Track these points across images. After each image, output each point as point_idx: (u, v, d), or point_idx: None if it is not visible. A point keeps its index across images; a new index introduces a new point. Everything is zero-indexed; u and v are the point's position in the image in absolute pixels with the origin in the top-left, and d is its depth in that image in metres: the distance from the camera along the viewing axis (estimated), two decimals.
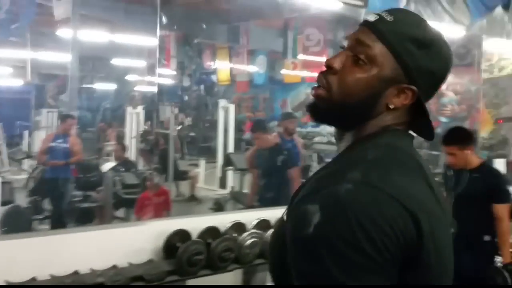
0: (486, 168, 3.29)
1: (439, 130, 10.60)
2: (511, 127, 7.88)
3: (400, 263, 0.75)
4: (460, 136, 3.23)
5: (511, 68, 7.39)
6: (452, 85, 10.79)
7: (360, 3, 4.06)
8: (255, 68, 11.50)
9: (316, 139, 10.21)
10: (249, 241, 3.11)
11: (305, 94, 13.26)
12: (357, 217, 0.73)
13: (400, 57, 0.87)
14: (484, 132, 7.91)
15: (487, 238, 3.16)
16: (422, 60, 0.88)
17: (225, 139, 8.25)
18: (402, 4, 4.47)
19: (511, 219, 3.23)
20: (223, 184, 7.75)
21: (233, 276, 3.19)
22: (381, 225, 0.73)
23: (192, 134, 12.60)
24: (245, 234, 3.16)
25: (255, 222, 3.32)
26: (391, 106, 0.89)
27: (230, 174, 7.58)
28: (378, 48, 0.87)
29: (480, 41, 7.27)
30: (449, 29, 6.88)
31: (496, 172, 3.38)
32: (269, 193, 4.86)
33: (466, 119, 10.26)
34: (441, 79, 0.93)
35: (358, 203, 0.75)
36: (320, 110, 0.91)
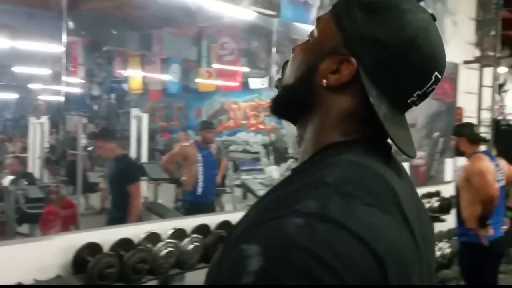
0: None
1: None
2: (416, 133, 8.34)
3: None
4: None
5: None
6: None
7: (272, 13, 4.11)
8: (168, 77, 11.35)
9: (232, 147, 10.24)
10: (164, 252, 3.01)
11: (220, 103, 13.27)
12: (308, 264, 0.54)
13: (339, 21, 0.72)
14: None
15: None
16: (367, 26, 0.70)
17: (138, 149, 8.04)
18: (312, 15, 4.59)
19: None
20: None
21: None
22: (339, 273, 0.54)
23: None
24: (160, 244, 3.05)
25: (170, 232, 3.23)
26: (324, 83, 0.72)
27: (144, 184, 7.38)
28: (325, 20, 0.76)
29: None
30: None
31: None
32: (117, 211, 4.20)
33: None
34: (405, 57, 0.71)
35: (310, 244, 0.55)
36: (272, 102, 0.81)
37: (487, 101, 6.62)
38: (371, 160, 0.71)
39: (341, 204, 0.61)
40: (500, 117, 16.02)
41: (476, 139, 4.12)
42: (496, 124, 7.26)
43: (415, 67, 0.72)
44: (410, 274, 0.63)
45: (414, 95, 0.74)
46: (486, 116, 6.70)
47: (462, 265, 4.31)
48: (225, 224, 3.47)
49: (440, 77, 0.74)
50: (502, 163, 4.26)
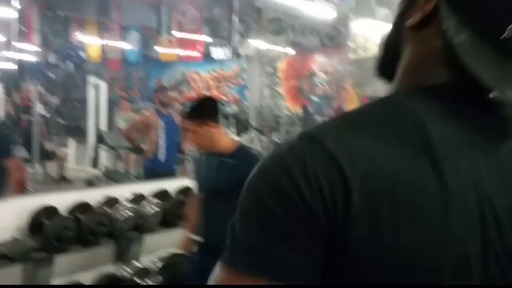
0: (243, 152, 2.46)
1: (311, 109, 11.14)
2: None
3: (322, 239, 0.54)
4: (198, 108, 2.44)
5: (375, 49, 7.90)
6: (323, 66, 11.33)
7: None
8: (128, 45, 11.09)
9: None
10: (122, 215, 2.98)
11: (181, 73, 13.10)
12: (273, 169, 0.56)
13: None
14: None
15: None
16: None
17: (96, 117, 7.89)
18: None
19: None
20: (95, 164, 7.41)
21: (106, 251, 3.05)
22: (300, 185, 0.54)
23: (59, 113, 11.89)
24: (118, 207, 3.02)
25: (128, 196, 3.20)
26: (409, 22, 0.63)
27: (103, 153, 7.27)
28: None
29: (348, 21, 7.66)
30: (320, 8, 7.16)
31: (253, 158, 2.42)
32: None
33: (335, 98, 10.86)
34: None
35: (282, 154, 0.57)
36: (376, 64, 0.73)
37: None
38: (413, 103, 0.60)
39: (336, 128, 0.59)
40: None
41: None
42: None
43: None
44: (401, 214, 0.53)
45: (507, 29, 0.57)
46: None
47: None
48: (185, 190, 3.45)
49: None
50: None
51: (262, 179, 0.57)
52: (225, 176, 2.34)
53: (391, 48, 0.69)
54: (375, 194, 0.53)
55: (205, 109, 2.42)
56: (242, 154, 2.39)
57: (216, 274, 0.57)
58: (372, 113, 0.60)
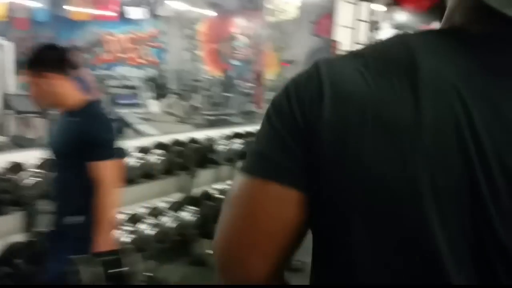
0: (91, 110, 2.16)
1: (232, 74, 11.04)
2: (295, 70, 8.53)
3: (306, 146, 0.61)
4: (37, 56, 2.14)
5: (294, 12, 7.89)
6: (243, 29, 11.20)
7: None
8: (36, 3, 10.35)
9: (109, 82, 9.75)
10: (29, 182, 2.78)
11: (95, 34, 12.46)
12: (280, 95, 0.66)
13: None
14: (270, 74, 8.42)
15: (80, 219, 2.11)
16: None
17: (2, 81, 7.35)
18: None
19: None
20: (1, 130, 6.94)
21: (13, 219, 2.85)
22: (292, 103, 0.63)
23: None
24: (24, 174, 2.82)
25: (36, 162, 2.99)
26: None
27: (11, 117, 6.82)
28: None
29: None
30: None
31: (101, 118, 2.19)
32: None
33: (254, 62, 10.82)
34: None
35: (289, 81, 0.67)
36: None
37: (362, 36, 6.89)
38: (423, 39, 0.63)
39: (341, 57, 0.67)
40: None
41: None
42: None
43: None
44: (367, 128, 0.57)
45: None
46: None
47: None
48: None
49: None
50: None
51: (272, 103, 0.67)
52: (67, 137, 2.09)
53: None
54: (344, 107, 0.59)
55: (45, 58, 2.10)
56: (88, 111, 2.12)
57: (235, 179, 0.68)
58: (378, 46, 0.66)
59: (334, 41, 6.53)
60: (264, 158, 0.64)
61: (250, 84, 9.50)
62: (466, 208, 0.55)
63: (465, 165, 0.55)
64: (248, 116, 8.51)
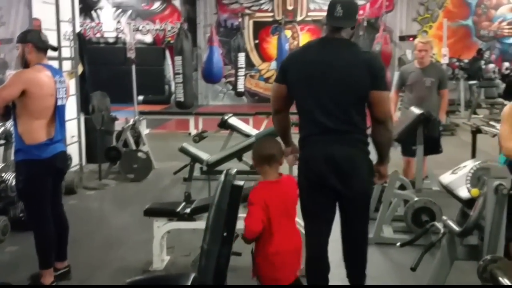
0: None
1: None
2: (10, 49, 7.70)
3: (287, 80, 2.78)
4: None
5: None
6: None
7: None
8: None
9: None
10: None
11: None
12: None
13: None
14: None
15: None
16: None
17: None
18: None
19: None
20: None
21: None
22: (281, 64, 2.88)
23: None
24: None
25: None
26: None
27: None
28: None
29: None
30: None
31: None
32: None
33: None
34: None
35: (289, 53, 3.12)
36: None
37: (67, 14, 6.49)
38: (317, 40, 2.93)
39: (298, 49, 3.03)
40: (98, 35, 16.10)
41: (43, 47, 3.73)
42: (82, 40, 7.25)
43: None
44: (297, 67, 2.76)
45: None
46: (67, 29, 6.61)
47: None
48: None
49: None
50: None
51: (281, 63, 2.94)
52: None
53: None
54: (294, 67, 2.78)
55: None
56: None
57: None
58: (310, 43, 3.00)
59: (37, 19, 6.04)
60: (277, 77, 2.84)
61: None
62: (318, 87, 2.70)
63: (320, 75, 2.68)
64: None
